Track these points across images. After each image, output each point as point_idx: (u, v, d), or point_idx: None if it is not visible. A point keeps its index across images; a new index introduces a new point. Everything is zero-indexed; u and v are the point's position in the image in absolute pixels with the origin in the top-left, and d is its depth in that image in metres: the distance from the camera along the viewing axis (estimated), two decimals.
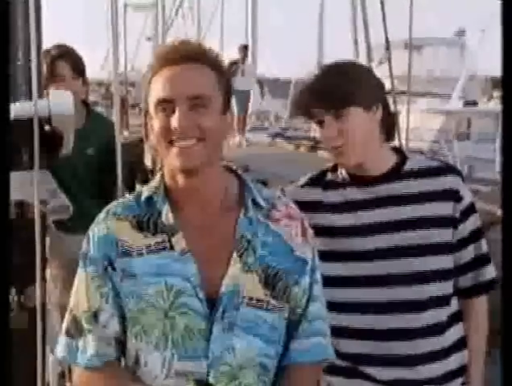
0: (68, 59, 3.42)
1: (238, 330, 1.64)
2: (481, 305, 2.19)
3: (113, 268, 1.66)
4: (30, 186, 2.25)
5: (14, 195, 2.26)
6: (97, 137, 3.43)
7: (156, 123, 1.62)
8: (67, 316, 1.73)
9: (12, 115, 2.18)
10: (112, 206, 1.72)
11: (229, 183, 1.73)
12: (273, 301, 1.68)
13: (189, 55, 1.61)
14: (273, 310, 1.69)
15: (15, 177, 2.26)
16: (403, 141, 4.98)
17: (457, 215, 2.07)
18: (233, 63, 14.39)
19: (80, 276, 1.71)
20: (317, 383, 1.91)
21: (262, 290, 1.67)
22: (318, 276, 1.79)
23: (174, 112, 1.59)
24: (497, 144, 12.01)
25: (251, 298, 1.66)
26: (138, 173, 4.26)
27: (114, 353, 1.70)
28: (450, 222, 2.07)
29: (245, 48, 14.93)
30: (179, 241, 1.65)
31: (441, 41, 19.02)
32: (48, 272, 2.41)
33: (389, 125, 2.10)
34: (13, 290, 2.27)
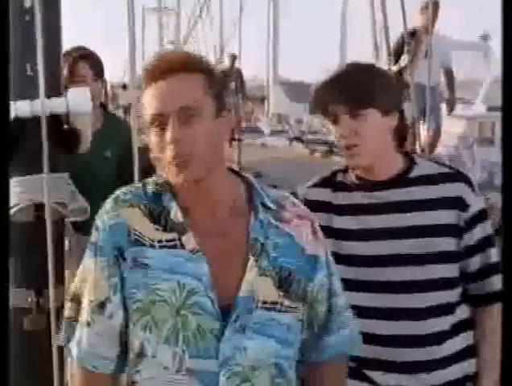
0: (88, 61, 3.44)
1: (250, 331, 1.64)
2: (491, 315, 2.12)
3: (124, 258, 1.64)
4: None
5: (34, 197, 2.28)
6: (114, 139, 3.43)
7: (152, 137, 1.63)
8: (72, 304, 1.71)
9: (28, 112, 2.21)
10: (120, 193, 1.70)
11: (236, 186, 1.72)
12: (287, 302, 1.68)
13: (173, 67, 1.61)
14: (286, 311, 1.68)
15: (35, 179, 2.28)
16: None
17: (462, 223, 2.04)
18: (412, 34, 8.01)
19: (89, 265, 1.69)
20: None
21: (276, 292, 1.67)
22: (334, 269, 1.79)
23: (167, 125, 1.59)
24: None
25: (265, 302, 1.66)
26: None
27: (108, 351, 1.67)
28: (454, 231, 2.04)
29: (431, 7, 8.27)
30: (190, 240, 1.64)
31: (465, 44, 18.73)
32: (67, 273, 2.42)
33: (402, 134, 2.09)
34: (31, 292, 2.29)
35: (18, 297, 2.28)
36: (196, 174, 1.60)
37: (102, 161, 3.41)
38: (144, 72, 1.65)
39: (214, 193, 1.66)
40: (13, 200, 2.24)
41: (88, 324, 1.67)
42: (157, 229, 1.65)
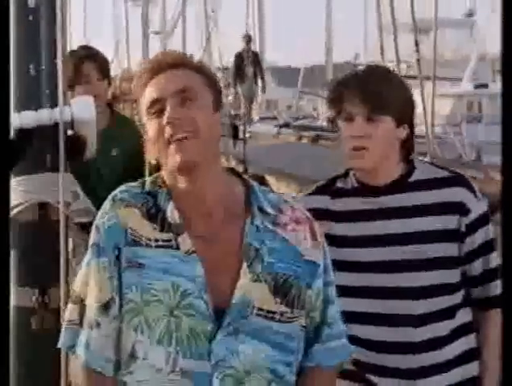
0: (94, 61, 3.44)
1: (243, 335, 1.62)
2: (492, 319, 2.09)
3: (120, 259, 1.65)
4: (54, 188, 2.26)
5: (38, 196, 2.28)
6: (121, 139, 3.44)
7: (151, 126, 1.65)
8: (74, 306, 1.69)
9: (35, 122, 2.22)
10: (117, 192, 1.70)
11: (234, 188, 1.71)
12: (285, 310, 1.67)
13: (173, 63, 1.66)
14: (287, 321, 1.67)
15: (39, 178, 2.29)
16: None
17: (463, 228, 2.02)
18: None
19: (92, 266, 1.67)
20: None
21: (273, 300, 1.65)
22: (331, 277, 1.78)
23: (165, 110, 1.62)
24: None
25: (261, 309, 1.64)
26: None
27: (113, 355, 1.67)
28: (455, 236, 2.02)
29: None
30: (185, 241, 1.64)
31: (450, 22, 18.39)
32: (71, 273, 2.42)
33: (408, 147, 2.09)
34: (36, 291, 2.29)
35: (22, 296, 2.28)
36: (192, 154, 1.60)
37: (108, 160, 3.42)
38: (145, 69, 1.68)
39: (209, 193, 1.66)
40: (16, 199, 2.24)
41: (97, 325, 1.66)
42: (154, 228, 1.66)
